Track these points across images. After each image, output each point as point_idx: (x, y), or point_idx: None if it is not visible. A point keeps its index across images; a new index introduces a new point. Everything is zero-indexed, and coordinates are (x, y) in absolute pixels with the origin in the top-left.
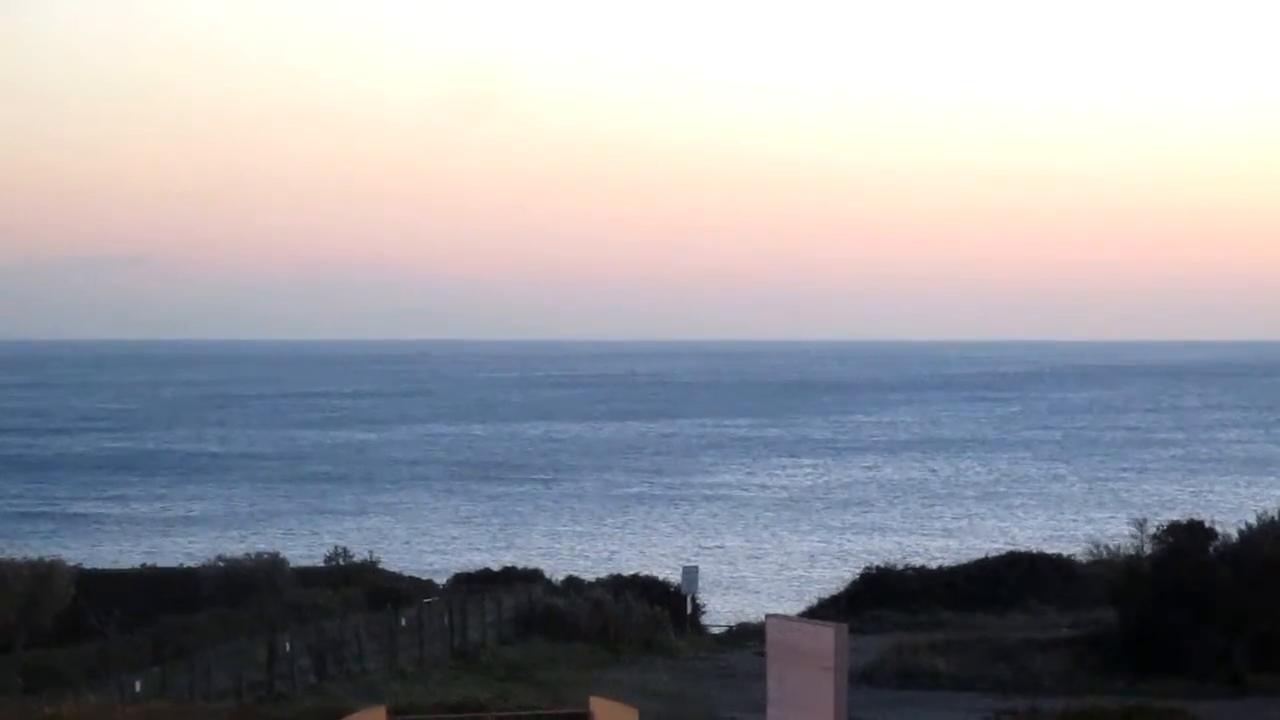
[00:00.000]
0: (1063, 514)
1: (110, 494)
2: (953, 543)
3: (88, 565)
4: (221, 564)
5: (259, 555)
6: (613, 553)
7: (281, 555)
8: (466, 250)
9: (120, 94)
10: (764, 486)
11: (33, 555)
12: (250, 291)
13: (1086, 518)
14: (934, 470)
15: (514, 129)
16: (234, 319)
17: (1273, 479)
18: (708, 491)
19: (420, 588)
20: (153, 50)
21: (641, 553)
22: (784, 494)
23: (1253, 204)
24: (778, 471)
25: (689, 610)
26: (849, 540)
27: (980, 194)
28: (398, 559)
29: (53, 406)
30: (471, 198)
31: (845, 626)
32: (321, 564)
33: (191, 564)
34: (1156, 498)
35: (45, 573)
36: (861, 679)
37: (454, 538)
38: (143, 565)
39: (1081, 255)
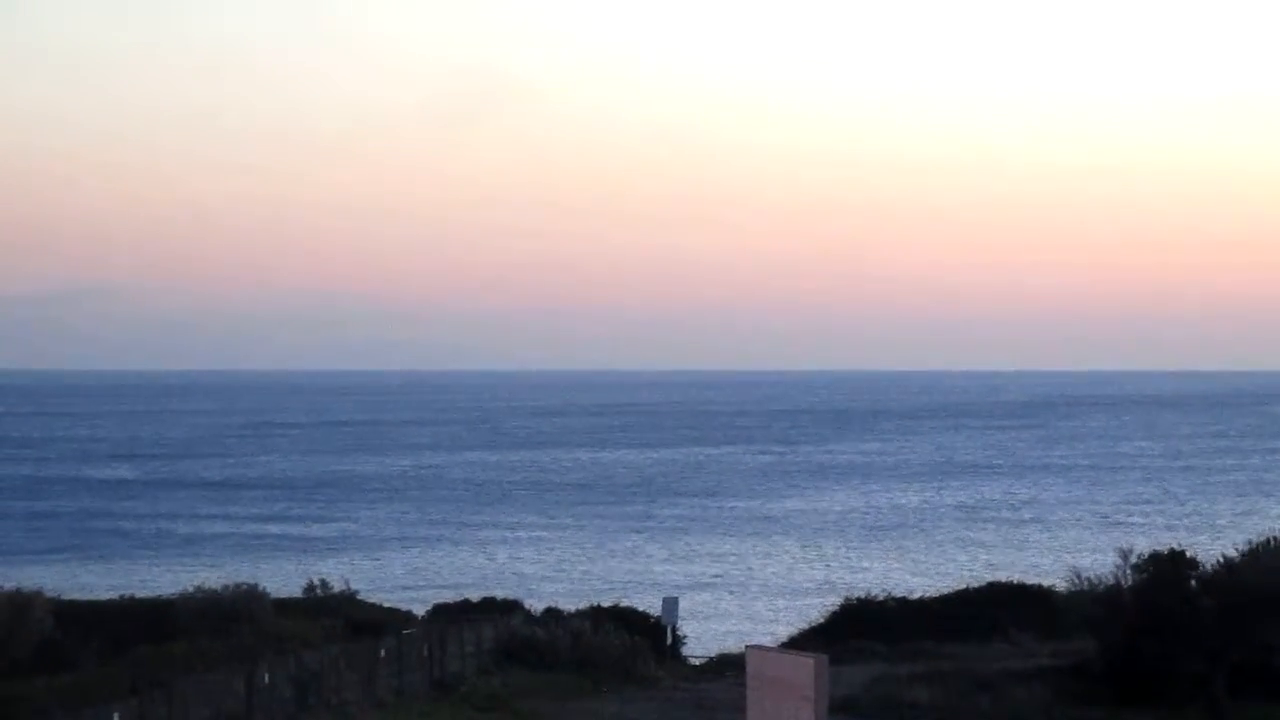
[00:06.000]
0: (1057, 541)
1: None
2: (946, 569)
3: (65, 596)
4: (199, 595)
5: (237, 586)
6: (594, 582)
7: (260, 586)
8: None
9: (106, 110)
10: (755, 513)
11: (9, 586)
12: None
13: (1084, 545)
14: (927, 499)
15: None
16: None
17: (1271, 505)
18: (696, 519)
19: (399, 618)
20: (133, 69)
21: (625, 581)
22: (775, 521)
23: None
24: (771, 499)
25: (669, 640)
26: (840, 567)
27: (972, 227)
28: (377, 590)
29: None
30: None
31: (825, 657)
32: (300, 595)
33: (169, 594)
34: (1161, 524)
35: (22, 603)
36: (841, 709)
37: (424, 567)
38: (120, 595)
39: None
